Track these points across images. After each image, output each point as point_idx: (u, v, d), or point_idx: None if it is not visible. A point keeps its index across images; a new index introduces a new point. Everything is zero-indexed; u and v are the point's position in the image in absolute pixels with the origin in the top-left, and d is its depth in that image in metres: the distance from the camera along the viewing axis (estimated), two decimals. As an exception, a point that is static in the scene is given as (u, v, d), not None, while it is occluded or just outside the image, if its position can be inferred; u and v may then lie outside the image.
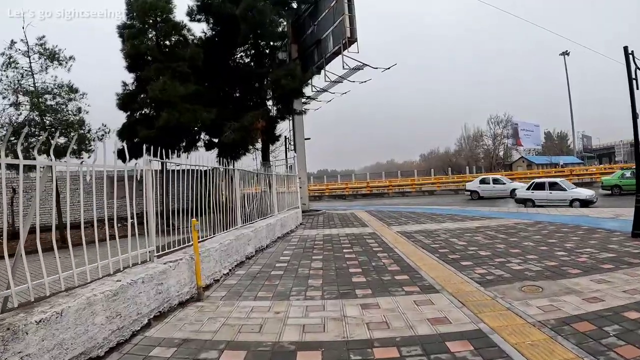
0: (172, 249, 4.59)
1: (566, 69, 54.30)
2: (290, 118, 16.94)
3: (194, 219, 4.45)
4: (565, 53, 55.32)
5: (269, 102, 14.96)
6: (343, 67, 13.76)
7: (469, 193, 22.33)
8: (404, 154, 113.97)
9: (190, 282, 4.26)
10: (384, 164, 78.85)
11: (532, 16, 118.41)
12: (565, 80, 53.14)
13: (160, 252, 4.31)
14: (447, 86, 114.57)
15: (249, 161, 18.95)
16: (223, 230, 6.12)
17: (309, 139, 20.39)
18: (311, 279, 5.01)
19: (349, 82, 15.86)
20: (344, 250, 7.11)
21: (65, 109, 12.02)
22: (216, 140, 15.11)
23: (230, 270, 5.54)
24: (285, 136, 18.41)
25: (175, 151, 6.28)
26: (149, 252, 4.13)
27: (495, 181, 21.93)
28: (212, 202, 5.72)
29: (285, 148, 17.57)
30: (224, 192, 6.54)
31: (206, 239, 5.45)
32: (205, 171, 5.60)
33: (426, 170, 47.79)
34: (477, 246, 6.79)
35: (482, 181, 22.29)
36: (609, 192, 18.69)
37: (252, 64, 15.81)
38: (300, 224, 11.99)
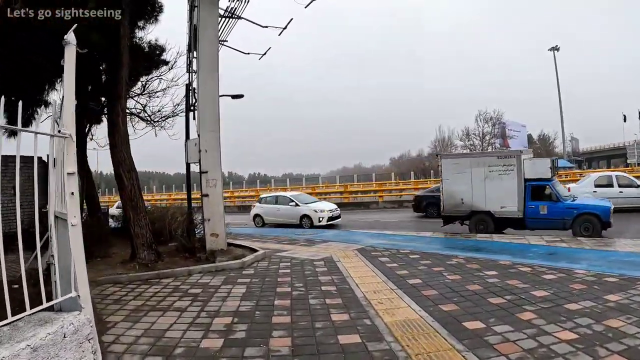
0: None
1: (556, 66, 49.26)
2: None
3: None
4: (554, 48, 50.23)
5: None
6: None
7: None
8: (371, 158, 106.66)
9: None
10: (351, 168, 71.05)
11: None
12: (551, 79, 48.14)
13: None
14: (418, 85, 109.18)
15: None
16: None
17: (241, 96, 10.63)
18: None
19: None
20: None
21: None
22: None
23: None
24: (187, 84, 8.71)
25: None
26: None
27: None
28: None
29: (187, 102, 8.23)
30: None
31: None
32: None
33: (403, 174, 40.47)
34: None
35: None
36: None
37: None
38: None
